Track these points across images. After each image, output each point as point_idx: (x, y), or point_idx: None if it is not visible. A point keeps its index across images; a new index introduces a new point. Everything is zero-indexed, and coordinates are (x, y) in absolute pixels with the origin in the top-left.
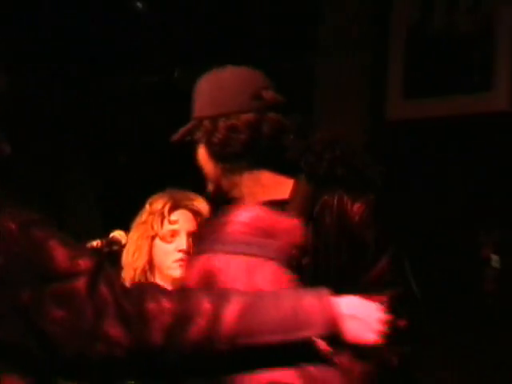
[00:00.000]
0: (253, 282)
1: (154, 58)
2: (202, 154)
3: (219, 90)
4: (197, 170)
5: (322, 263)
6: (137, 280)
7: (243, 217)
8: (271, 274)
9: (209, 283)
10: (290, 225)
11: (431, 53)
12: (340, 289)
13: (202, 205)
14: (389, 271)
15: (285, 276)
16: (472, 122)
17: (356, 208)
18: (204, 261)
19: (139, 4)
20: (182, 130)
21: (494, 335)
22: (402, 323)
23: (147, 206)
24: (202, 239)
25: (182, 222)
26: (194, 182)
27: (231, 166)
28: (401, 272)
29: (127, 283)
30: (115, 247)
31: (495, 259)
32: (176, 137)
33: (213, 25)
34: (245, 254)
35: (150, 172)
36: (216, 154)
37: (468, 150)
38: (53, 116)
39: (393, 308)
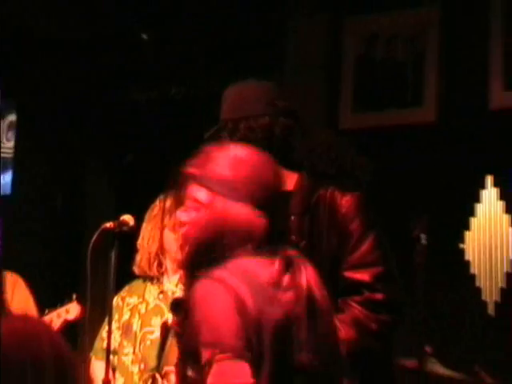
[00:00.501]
0: (258, 228)
1: (155, 78)
2: None
3: (241, 98)
4: None
5: (316, 246)
6: (152, 261)
7: (249, 167)
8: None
9: (220, 224)
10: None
11: (374, 75)
12: (331, 268)
13: None
14: (370, 254)
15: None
16: (406, 131)
17: (344, 201)
18: (219, 200)
19: (144, 36)
20: (212, 130)
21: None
22: (379, 296)
23: (158, 203)
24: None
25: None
26: None
27: None
28: (380, 255)
29: (143, 263)
30: (125, 228)
31: (423, 237)
32: (207, 135)
33: (199, 49)
34: (251, 203)
35: (151, 169)
36: None
37: (403, 152)
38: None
39: (372, 284)
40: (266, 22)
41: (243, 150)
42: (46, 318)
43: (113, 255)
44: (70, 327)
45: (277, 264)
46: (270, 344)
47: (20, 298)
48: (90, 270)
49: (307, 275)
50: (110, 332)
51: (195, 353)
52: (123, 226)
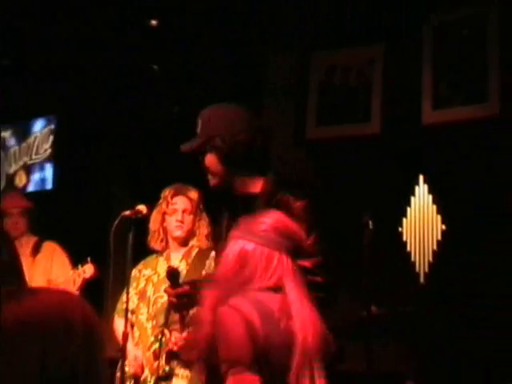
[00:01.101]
0: (269, 266)
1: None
2: (213, 159)
3: (227, 117)
4: (190, 170)
5: None
6: (156, 237)
7: (269, 219)
8: (282, 263)
9: (243, 261)
10: (297, 229)
11: (333, 97)
12: None
13: (193, 192)
14: (312, 248)
15: (292, 264)
16: (358, 140)
17: (296, 206)
18: (242, 245)
19: (155, 67)
20: (194, 144)
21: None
22: (318, 279)
23: (162, 194)
24: (239, 227)
25: (179, 203)
26: (191, 178)
27: (233, 167)
28: (320, 249)
29: (152, 240)
30: (139, 215)
31: (370, 223)
32: (186, 148)
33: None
34: (267, 246)
35: (158, 171)
36: (224, 160)
37: (355, 156)
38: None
39: (313, 270)
40: (249, 55)
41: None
42: (71, 277)
43: (130, 237)
44: (97, 294)
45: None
46: (273, 363)
47: (58, 261)
48: (113, 248)
49: None
50: (127, 296)
51: (217, 365)
52: (138, 213)
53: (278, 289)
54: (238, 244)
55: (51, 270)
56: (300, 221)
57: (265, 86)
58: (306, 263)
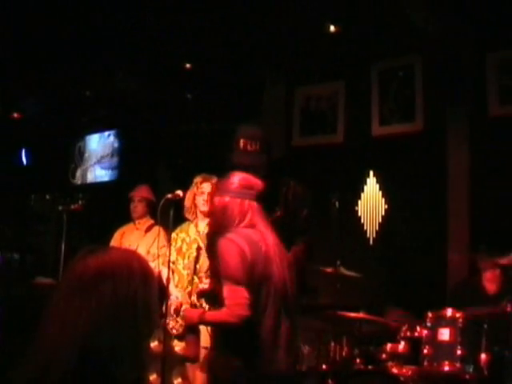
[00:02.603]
0: (243, 210)
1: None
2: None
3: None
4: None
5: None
6: (189, 211)
7: (236, 178)
8: (252, 207)
9: (224, 211)
10: (257, 182)
11: (311, 117)
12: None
13: (215, 180)
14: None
15: (257, 207)
16: (327, 147)
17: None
18: (222, 199)
19: (189, 96)
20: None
21: (335, 235)
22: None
23: (194, 180)
24: (218, 189)
25: (205, 187)
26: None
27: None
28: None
29: (186, 212)
30: (177, 197)
31: (337, 203)
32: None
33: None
34: (240, 197)
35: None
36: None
37: (326, 158)
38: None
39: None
40: (252, 87)
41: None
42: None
43: (171, 212)
44: None
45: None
46: (256, 277)
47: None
48: (160, 220)
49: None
50: (170, 251)
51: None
52: (177, 196)
53: (253, 225)
54: (221, 198)
55: (151, 245)
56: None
57: (264, 108)
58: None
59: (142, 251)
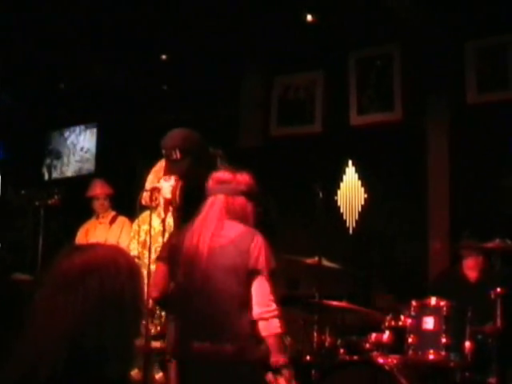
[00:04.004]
0: (221, 203)
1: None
2: None
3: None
4: None
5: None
6: (151, 196)
7: (214, 176)
8: (214, 201)
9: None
10: (230, 177)
11: (288, 107)
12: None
13: None
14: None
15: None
16: (305, 137)
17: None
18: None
19: (165, 87)
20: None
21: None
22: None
23: (158, 163)
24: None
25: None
26: None
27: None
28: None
29: (148, 199)
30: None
31: (320, 193)
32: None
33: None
34: (217, 193)
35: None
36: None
37: (304, 148)
38: None
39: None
40: (230, 76)
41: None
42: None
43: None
44: None
45: None
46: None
47: (126, 231)
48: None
49: None
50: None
51: None
52: (155, 189)
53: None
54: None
55: (120, 235)
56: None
57: (241, 98)
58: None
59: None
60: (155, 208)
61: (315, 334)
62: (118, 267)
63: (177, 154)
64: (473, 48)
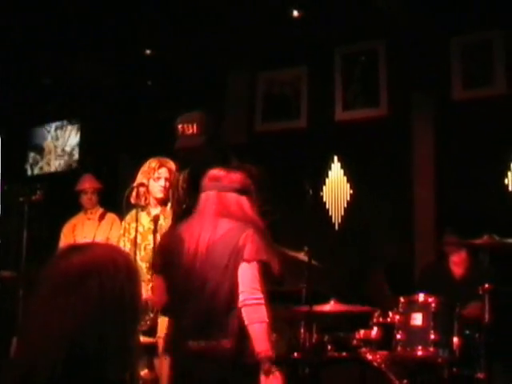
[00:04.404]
0: (214, 200)
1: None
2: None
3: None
4: None
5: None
6: (141, 194)
7: (208, 173)
8: (209, 198)
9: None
10: (223, 174)
11: (273, 101)
12: None
13: (172, 164)
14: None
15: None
16: (291, 131)
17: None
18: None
19: (149, 82)
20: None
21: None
22: None
23: (148, 163)
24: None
25: (163, 173)
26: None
27: None
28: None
29: (137, 197)
30: (143, 187)
31: (310, 190)
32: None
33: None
34: (210, 189)
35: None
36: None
37: (291, 142)
38: None
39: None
40: (215, 72)
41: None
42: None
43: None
44: None
45: None
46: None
47: (115, 228)
48: (125, 210)
49: None
50: (135, 242)
51: None
52: (142, 185)
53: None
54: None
55: (110, 232)
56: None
57: (226, 94)
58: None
59: (100, 240)
60: (145, 206)
61: (302, 331)
62: (116, 267)
63: (194, 128)
64: (458, 44)
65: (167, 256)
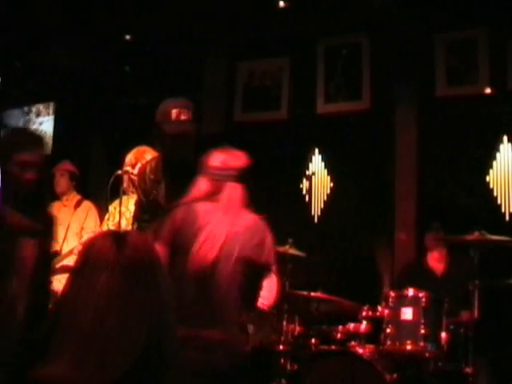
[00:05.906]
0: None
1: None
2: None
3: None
4: None
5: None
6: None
7: (228, 160)
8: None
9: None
10: (244, 164)
11: (253, 92)
12: None
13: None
14: None
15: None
16: (271, 123)
17: None
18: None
19: (127, 68)
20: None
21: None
22: None
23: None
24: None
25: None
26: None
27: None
28: None
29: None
30: (128, 174)
31: (307, 186)
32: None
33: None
34: (234, 180)
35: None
36: None
37: (270, 133)
38: None
39: None
40: (192, 62)
41: None
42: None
43: (121, 189)
44: None
45: None
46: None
47: (91, 216)
48: (110, 198)
49: None
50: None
51: None
52: (126, 173)
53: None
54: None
55: (85, 221)
56: None
57: (205, 83)
58: None
59: (75, 228)
60: (133, 193)
61: (285, 323)
62: (158, 257)
63: (189, 115)
64: (442, 40)
65: (178, 235)
